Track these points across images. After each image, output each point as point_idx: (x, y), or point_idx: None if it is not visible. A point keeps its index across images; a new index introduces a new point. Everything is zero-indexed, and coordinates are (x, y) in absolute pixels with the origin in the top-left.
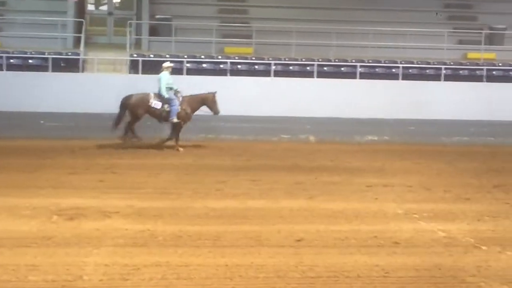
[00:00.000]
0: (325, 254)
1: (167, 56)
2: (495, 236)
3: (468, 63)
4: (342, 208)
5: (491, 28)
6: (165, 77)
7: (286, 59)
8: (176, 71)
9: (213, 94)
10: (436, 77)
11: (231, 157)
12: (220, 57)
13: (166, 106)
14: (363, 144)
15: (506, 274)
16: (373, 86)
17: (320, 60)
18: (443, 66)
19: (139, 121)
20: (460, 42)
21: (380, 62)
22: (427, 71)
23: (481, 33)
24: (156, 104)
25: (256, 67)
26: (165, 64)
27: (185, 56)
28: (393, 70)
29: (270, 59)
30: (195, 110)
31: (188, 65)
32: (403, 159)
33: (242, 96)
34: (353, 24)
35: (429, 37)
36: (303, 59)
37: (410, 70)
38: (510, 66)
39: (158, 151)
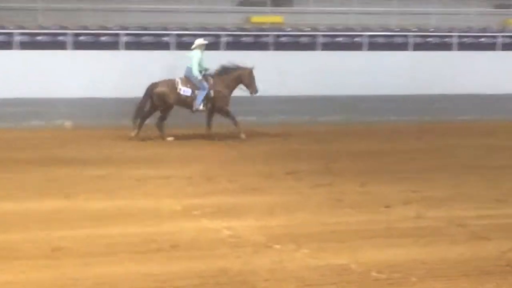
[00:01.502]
0: (89, 265)
1: None
2: (288, 232)
3: (252, 28)
4: (108, 207)
5: None
6: (198, 56)
7: (31, 28)
8: None
9: (250, 69)
10: (216, 45)
11: None
12: None
13: (196, 91)
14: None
15: (302, 276)
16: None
17: (73, 28)
18: (222, 33)
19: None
20: (241, 3)
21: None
22: (184, 38)
23: None
24: (185, 91)
25: None
26: (198, 41)
27: None
28: (164, 38)
29: (12, 27)
30: (232, 91)
31: None
32: (181, 145)
33: None
34: None
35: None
36: (53, 27)
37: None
38: (300, 31)
39: None
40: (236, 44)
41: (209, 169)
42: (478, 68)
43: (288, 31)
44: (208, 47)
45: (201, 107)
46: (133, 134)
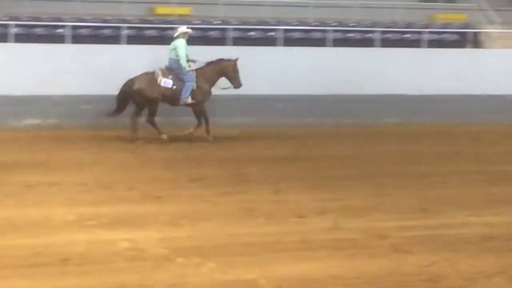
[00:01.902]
0: None
1: None
2: (193, 245)
3: (156, 21)
4: None
5: None
6: (183, 45)
7: None
8: None
9: (234, 61)
10: (115, 39)
11: None
12: None
13: (179, 83)
14: (20, 129)
15: None
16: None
17: None
18: (123, 25)
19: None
20: None
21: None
22: (81, 30)
23: None
24: (166, 82)
25: None
26: (181, 29)
27: None
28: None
29: None
30: (213, 85)
31: None
32: (75, 148)
33: None
34: None
35: None
36: None
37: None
38: (209, 24)
39: None
40: (138, 38)
41: (106, 175)
42: (402, 67)
43: (197, 24)
44: (106, 40)
45: (189, 100)
46: (130, 136)
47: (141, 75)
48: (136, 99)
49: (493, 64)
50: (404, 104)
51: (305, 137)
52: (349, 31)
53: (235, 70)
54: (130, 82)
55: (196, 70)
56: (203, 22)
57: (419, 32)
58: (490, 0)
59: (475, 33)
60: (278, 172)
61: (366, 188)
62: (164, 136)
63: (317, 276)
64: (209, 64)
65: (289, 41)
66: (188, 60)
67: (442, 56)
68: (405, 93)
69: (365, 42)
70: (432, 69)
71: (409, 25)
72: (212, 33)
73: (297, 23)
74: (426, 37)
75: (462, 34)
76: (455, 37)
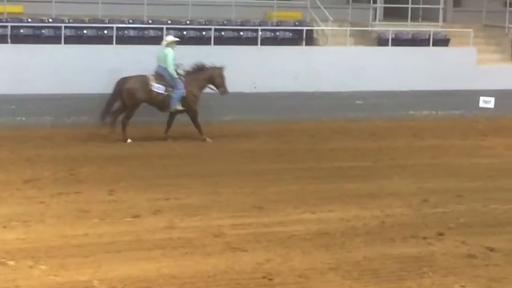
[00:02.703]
0: None
1: None
2: (25, 247)
3: None
4: None
5: None
6: (172, 55)
7: None
8: None
9: (220, 68)
10: None
11: None
12: None
13: (170, 89)
14: None
15: None
16: None
17: None
18: None
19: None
20: None
21: None
22: None
23: None
24: (158, 87)
25: None
26: (170, 38)
27: None
28: None
29: None
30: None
31: None
32: None
33: None
34: None
35: None
36: None
37: None
38: (41, 23)
39: None
40: None
41: None
42: (237, 65)
43: (28, 22)
44: None
45: (179, 106)
46: (107, 132)
47: (134, 76)
48: (125, 97)
49: (326, 62)
50: (239, 101)
51: (139, 135)
52: (184, 29)
53: (222, 77)
54: (122, 81)
55: (185, 76)
56: (34, 20)
57: (254, 30)
58: None
59: (308, 30)
60: (113, 171)
61: (202, 186)
62: (129, 141)
63: (151, 276)
64: (197, 70)
65: (123, 39)
66: (176, 69)
67: (277, 54)
68: (242, 91)
69: (202, 40)
70: (267, 67)
71: (244, 23)
72: (44, 31)
73: (131, 20)
74: (261, 35)
75: (297, 31)
76: (289, 34)
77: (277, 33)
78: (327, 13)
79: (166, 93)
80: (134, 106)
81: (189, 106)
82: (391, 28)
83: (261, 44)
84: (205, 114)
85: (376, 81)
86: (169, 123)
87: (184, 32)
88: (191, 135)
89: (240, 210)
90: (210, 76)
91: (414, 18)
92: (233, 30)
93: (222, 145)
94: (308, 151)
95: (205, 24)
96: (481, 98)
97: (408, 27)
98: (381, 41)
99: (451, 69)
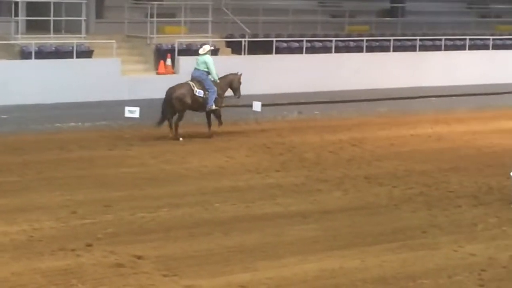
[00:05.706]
0: None
1: None
2: None
3: None
4: None
5: None
6: (212, 61)
7: None
8: None
9: (239, 75)
10: None
11: None
12: None
13: (206, 92)
14: None
15: None
16: None
17: None
18: None
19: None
20: None
21: None
22: None
23: None
24: (199, 92)
25: None
26: (207, 47)
27: None
28: None
29: None
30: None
31: None
32: None
33: None
34: None
35: None
36: None
37: None
38: None
39: None
40: None
41: None
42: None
43: None
44: None
45: (213, 106)
46: (171, 135)
47: (179, 84)
48: (175, 103)
49: None
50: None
51: None
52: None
53: (239, 83)
54: (171, 90)
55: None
56: None
57: None
58: None
59: None
60: None
61: None
62: (181, 139)
63: None
64: (221, 77)
65: None
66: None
67: None
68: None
69: None
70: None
71: None
72: None
73: None
74: None
75: None
76: None
77: None
78: None
79: (204, 96)
80: (183, 110)
81: (219, 106)
82: (34, 41)
83: None
84: None
85: (21, 95)
86: (209, 122)
87: None
88: None
89: None
90: (230, 81)
91: (57, 31)
92: None
93: None
94: None
95: None
96: (126, 108)
97: (51, 40)
98: (25, 54)
99: (96, 80)
